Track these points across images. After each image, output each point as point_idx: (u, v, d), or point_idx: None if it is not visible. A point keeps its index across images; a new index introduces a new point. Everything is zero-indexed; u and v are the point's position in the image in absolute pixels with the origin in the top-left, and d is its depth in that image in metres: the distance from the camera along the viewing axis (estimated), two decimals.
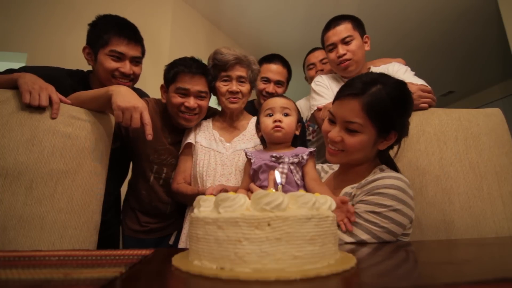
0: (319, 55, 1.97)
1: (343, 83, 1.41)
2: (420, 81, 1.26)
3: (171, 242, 1.30)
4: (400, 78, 1.28)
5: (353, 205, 0.77)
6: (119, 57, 1.22)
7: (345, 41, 1.39)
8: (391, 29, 3.47)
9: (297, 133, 1.03)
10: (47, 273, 0.38)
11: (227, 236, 0.40)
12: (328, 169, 1.05)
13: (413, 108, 0.89)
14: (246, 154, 1.03)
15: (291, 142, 1.03)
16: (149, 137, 0.97)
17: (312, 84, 1.55)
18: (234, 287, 0.35)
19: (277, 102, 1.02)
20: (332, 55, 1.44)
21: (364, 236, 0.71)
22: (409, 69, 1.41)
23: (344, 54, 1.39)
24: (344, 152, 0.85)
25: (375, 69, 1.47)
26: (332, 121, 0.88)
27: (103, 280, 0.35)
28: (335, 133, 0.85)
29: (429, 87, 1.20)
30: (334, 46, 1.42)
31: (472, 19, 3.33)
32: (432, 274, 0.40)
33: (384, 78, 0.84)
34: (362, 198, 0.76)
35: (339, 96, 0.87)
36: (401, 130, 0.85)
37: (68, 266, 0.43)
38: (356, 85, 0.83)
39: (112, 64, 1.21)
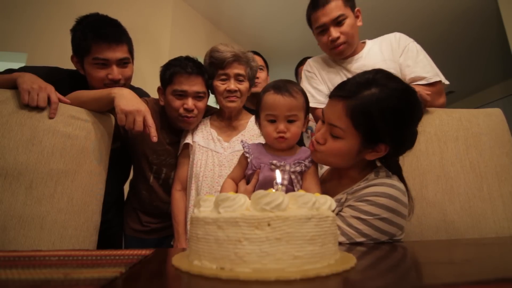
0: None
1: (334, 66, 1.33)
2: (434, 69, 1.18)
3: (173, 242, 1.29)
4: (411, 62, 1.20)
5: (341, 210, 0.74)
6: (104, 63, 1.14)
7: (337, 21, 1.22)
8: (391, 30, 3.43)
9: (303, 130, 0.91)
10: (47, 273, 0.38)
11: (227, 236, 0.40)
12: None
13: (420, 118, 0.78)
14: (243, 147, 0.94)
15: None
16: (154, 139, 0.98)
17: (302, 73, 1.46)
18: (234, 287, 0.35)
19: (282, 107, 0.83)
20: (324, 39, 1.26)
21: (340, 239, 0.68)
22: (419, 48, 1.25)
23: (338, 38, 1.22)
24: (322, 154, 0.80)
25: (373, 41, 1.35)
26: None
27: (103, 280, 0.35)
28: (320, 134, 0.80)
29: (429, 92, 1.10)
30: (325, 28, 1.24)
31: (472, 19, 3.33)
32: (432, 274, 0.40)
33: (385, 80, 0.73)
34: (350, 203, 0.73)
35: (330, 96, 0.80)
36: (396, 143, 0.74)
37: (68, 266, 0.43)
38: (347, 87, 0.76)
39: (99, 72, 1.14)
